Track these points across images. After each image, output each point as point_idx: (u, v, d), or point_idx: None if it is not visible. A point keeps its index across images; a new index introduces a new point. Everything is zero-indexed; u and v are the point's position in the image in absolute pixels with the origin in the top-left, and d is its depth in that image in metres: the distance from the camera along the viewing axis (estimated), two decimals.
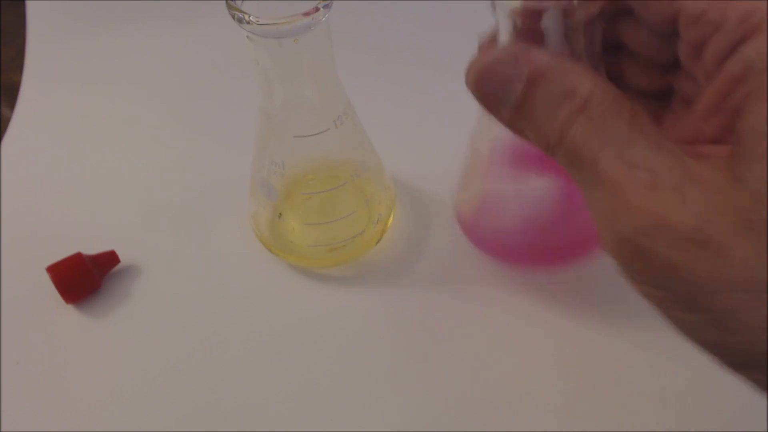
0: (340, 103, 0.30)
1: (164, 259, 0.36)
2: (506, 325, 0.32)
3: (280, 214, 0.35)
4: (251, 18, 0.24)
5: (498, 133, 0.28)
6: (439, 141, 0.40)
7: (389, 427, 0.29)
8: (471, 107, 0.21)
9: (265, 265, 0.35)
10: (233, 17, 0.24)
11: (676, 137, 0.17)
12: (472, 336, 0.32)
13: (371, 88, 0.38)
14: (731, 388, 0.29)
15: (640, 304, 0.17)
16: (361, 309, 0.33)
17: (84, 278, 0.34)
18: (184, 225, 0.38)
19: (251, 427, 0.30)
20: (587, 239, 0.32)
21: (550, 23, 0.18)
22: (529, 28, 0.18)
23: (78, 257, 0.34)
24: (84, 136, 0.44)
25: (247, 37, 0.25)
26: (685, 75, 0.19)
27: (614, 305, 0.32)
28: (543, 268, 0.34)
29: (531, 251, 0.33)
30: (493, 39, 0.21)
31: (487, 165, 0.30)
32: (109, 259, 0.35)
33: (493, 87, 0.18)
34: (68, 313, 0.34)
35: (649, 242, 0.15)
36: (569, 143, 0.17)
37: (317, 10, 0.24)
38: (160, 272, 0.36)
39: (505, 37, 0.20)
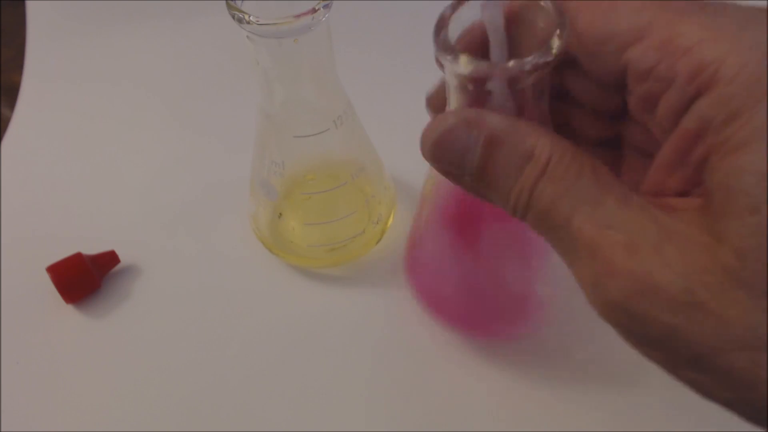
0: (340, 103, 0.30)
1: (164, 259, 0.36)
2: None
3: (280, 214, 0.35)
4: (251, 18, 0.24)
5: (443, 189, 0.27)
6: None
7: (389, 426, 0.29)
8: None
9: (265, 265, 0.35)
10: (233, 17, 0.24)
11: (639, 189, 0.17)
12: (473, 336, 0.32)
13: (371, 88, 0.38)
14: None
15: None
16: (361, 309, 0.33)
17: (84, 278, 0.34)
18: (184, 225, 0.38)
19: (251, 427, 0.30)
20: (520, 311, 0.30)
21: (498, 85, 0.17)
22: (476, 89, 0.18)
23: (78, 257, 0.34)
24: (84, 136, 0.44)
25: (247, 37, 0.25)
26: (635, 125, 0.18)
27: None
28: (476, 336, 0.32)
29: (465, 316, 0.31)
30: (440, 91, 0.21)
31: (429, 222, 0.29)
32: (109, 259, 0.35)
33: (451, 156, 0.18)
34: (68, 313, 0.34)
35: (642, 307, 0.15)
36: (538, 207, 0.16)
37: (317, 10, 0.24)
38: (160, 272, 0.36)
39: (453, 95, 0.19)
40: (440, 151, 0.18)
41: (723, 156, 0.14)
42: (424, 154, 0.19)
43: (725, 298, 0.14)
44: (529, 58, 0.16)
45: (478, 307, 0.30)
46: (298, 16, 0.24)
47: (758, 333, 0.14)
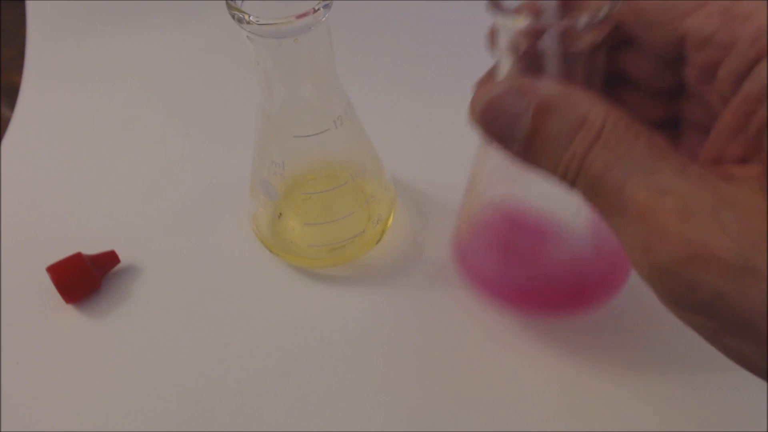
0: (340, 103, 0.30)
1: (164, 259, 0.36)
2: (505, 323, 0.32)
3: (280, 214, 0.35)
4: (251, 18, 0.24)
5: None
6: (439, 141, 0.40)
7: (389, 426, 0.29)
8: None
9: (265, 265, 0.35)
10: (233, 17, 0.24)
11: (697, 160, 0.17)
12: (471, 336, 0.32)
13: (371, 88, 0.38)
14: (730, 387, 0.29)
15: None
16: (361, 309, 0.33)
17: (84, 278, 0.34)
18: (184, 225, 0.38)
19: (251, 427, 0.30)
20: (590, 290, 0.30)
21: (551, 48, 0.17)
22: (531, 57, 0.18)
23: (78, 257, 0.34)
24: (84, 136, 0.44)
25: (247, 37, 0.25)
26: (693, 101, 0.18)
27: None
28: (535, 317, 0.32)
29: (521, 297, 0.31)
30: (490, 75, 0.21)
31: (485, 197, 0.29)
32: (109, 259, 0.35)
33: (501, 122, 0.17)
34: (68, 313, 0.34)
35: (693, 272, 0.15)
36: (590, 174, 0.16)
37: (317, 10, 0.24)
38: (160, 272, 0.36)
39: (506, 66, 0.19)
40: (489, 117, 0.17)
41: None
42: (473, 120, 0.18)
43: None
44: (583, 18, 0.16)
45: (542, 286, 0.30)
46: (298, 16, 0.24)
47: None
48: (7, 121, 0.45)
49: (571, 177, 0.17)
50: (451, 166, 0.33)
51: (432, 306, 0.33)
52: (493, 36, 0.19)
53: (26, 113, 0.45)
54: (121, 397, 0.31)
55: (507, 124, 0.17)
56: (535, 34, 0.17)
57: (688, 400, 0.29)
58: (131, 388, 0.31)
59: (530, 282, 0.30)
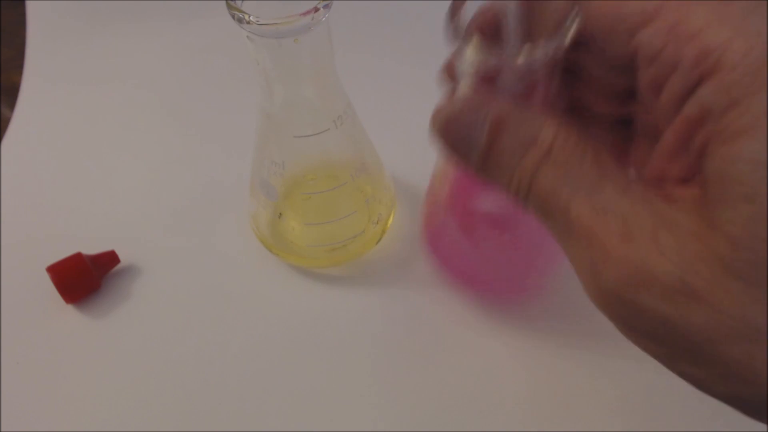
0: (340, 103, 0.30)
1: (164, 259, 0.36)
2: (506, 323, 0.32)
3: (280, 214, 0.35)
4: (251, 18, 0.24)
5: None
6: None
7: (389, 426, 0.29)
8: None
9: (265, 265, 0.35)
10: (233, 17, 0.24)
11: (643, 175, 0.17)
12: (471, 336, 0.32)
13: (371, 88, 0.38)
14: None
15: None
16: (361, 309, 0.33)
17: (84, 278, 0.34)
18: (184, 225, 0.38)
19: (251, 427, 0.30)
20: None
21: (506, 76, 0.18)
22: (488, 75, 0.18)
23: (78, 257, 0.34)
24: (84, 136, 0.44)
25: (247, 37, 0.25)
26: (644, 107, 0.18)
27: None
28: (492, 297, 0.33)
29: (480, 280, 0.32)
30: (454, 91, 0.21)
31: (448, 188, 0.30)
32: (109, 259, 0.35)
33: (458, 137, 0.18)
34: (68, 313, 0.34)
35: (636, 295, 0.15)
36: (539, 191, 0.16)
37: (317, 10, 0.24)
38: (160, 272, 0.36)
39: (466, 81, 0.20)
40: (448, 132, 0.18)
41: (721, 143, 0.14)
42: (433, 134, 0.19)
43: (719, 288, 0.14)
44: (541, 49, 0.16)
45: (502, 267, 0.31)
46: (298, 16, 0.24)
47: (753, 324, 0.14)
48: (7, 121, 0.45)
49: (523, 194, 0.17)
50: None
51: (432, 306, 0.33)
52: (449, 67, 0.20)
53: (26, 113, 0.45)
54: (121, 396, 0.31)
55: (464, 139, 0.18)
56: (489, 72, 0.18)
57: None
58: (131, 388, 0.31)
59: (489, 264, 0.31)
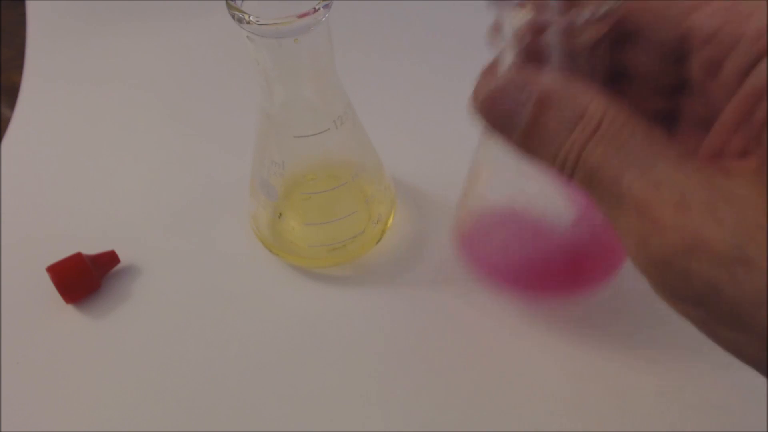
0: (340, 103, 0.30)
1: (164, 259, 0.36)
2: (506, 323, 0.32)
3: (280, 214, 0.35)
4: (251, 18, 0.24)
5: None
6: (439, 141, 0.40)
7: (389, 426, 0.29)
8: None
9: (265, 265, 0.35)
10: (233, 17, 0.24)
11: (698, 155, 0.17)
12: (471, 336, 0.32)
13: (371, 88, 0.38)
14: (731, 388, 0.29)
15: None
16: (361, 309, 0.33)
17: (84, 278, 0.34)
18: (184, 225, 0.38)
19: (251, 427, 0.30)
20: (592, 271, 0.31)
21: (554, 42, 0.18)
22: (533, 50, 0.18)
23: (78, 257, 0.34)
24: (84, 136, 0.44)
25: (247, 37, 0.25)
26: (694, 97, 0.19)
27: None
28: (542, 299, 0.33)
29: (528, 280, 0.31)
30: (494, 65, 0.21)
31: (488, 184, 0.30)
32: (109, 259, 0.35)
33: (502, 112, 0.18)
34: (68, 313, 0.34)
35: (687, 263, 0.15)
36: (588, 165, 0.16)
37: (317, 10, 0.24)
38: (160, 272, 0.36)
39: (508, 59, 0.19)
40: (491, 106, 0.18)
41: None
42: (474, 109, 0.18)
43: None
44: (585, 13, 0.17)
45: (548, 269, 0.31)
46: (298, 16, 0.24)
47: None
48: (7, 121, 0.45)
49: (569, 168, 0.17)
50: (451, 166, 0.33)
51: (432, 306, 0.33)
52: (496, 28, 0.19)
53: (26, 113, 0.45)
54: (121, 397, 0.31)
55: (508, 114, 0.17)
56: (538, 29, 0.17)
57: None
58: (131, 388, 0.31)
59: (534, 264, 0.30)
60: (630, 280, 0.32)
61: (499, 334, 0.32)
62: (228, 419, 0.30)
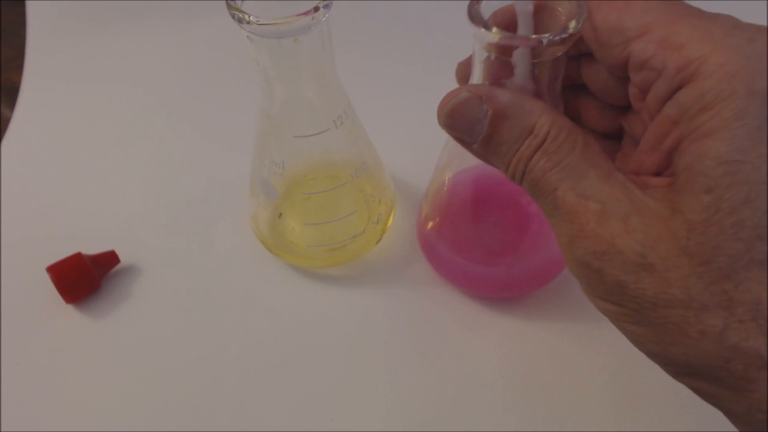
0: (340, 103, 0.30)
1: (164, 259, 0.36)
2: (507, 323, 0.32)
3: (280, 214, 0.35)
4: (251, 18, 0.24)
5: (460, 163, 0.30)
6: (439, 141, 0.40)
7: (389, 426, 0.29)
8: None
9: (265, 265, 0.35)
10: (233, 17, 0.24)
11: (624, 168, 0.19)
12: (472, 335, 0.32)
13: (371, 88, 0.38)
14: None
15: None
16: (361, 309, 0.33)
17: (84, 278, 0.34)
18: (184, 225, 0.38)
19: (251, 427, 0.30)
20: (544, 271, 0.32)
21: (520, 59, 0.20)
22: (500, 62, 0.20)
23: (78, 257, 0.34)
24: (84, 135, 0.44)
25: (247, 37, 0.25)
26: (635, 116, 0.21)
27: None
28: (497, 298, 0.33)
29: (484, 282, 0.32)
30: (468, 63, 0.24)
31: (448, 191, 0.31)
32: (109, 259, 0.35)
33: (463, 125, 0.20)
34: (68, 313, 0.34)
35: (602, 264, 0.18)
36: (531, 176, 0.19)
37: (317, 10, 0.24)
38: (160, 272, 0.36)
39: (478, 67, 0.22)
40: (453, 120, 0.20)
41: (692, 141, 0.17)
42: (440, 123, 0.21)
43: (670, 263, 0.16)
44: (549, 35, 0.19)
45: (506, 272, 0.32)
46: (298, 16, 0.24)
47: (691, 294, 0.16)
48: (7, 121, 0.45)
49: (518, 177, 0.19)
50: None
51: (432, 305, 0.33)
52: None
53: (26, 113, 0.45)
54: (121, 396, 0.31)
55: (468, 127, 0.20)
56: (505, 49, 0.20)
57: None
58: (131, 387, 0.31)
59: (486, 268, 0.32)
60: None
61: (499, 334, 0.32)
62: (228, 419, 0.30)
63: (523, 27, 0.21)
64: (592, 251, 0.18)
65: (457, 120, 0.20)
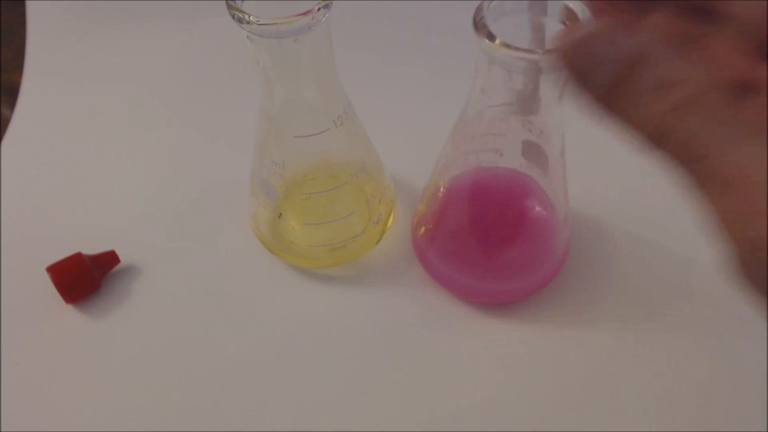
0: (340, 103, 0.30)
1: (164, 259, 0.36)
2: (503, 326, 0.32)
3: (280, 214, 0.35)
4: (251, 18, 0.24)
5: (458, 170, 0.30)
6: (439, 141, 0.40)
7: (389, 426, 0.29)
8: None
9: (265, 265, 0.35)
10: (233, 17, 0.24)
11: None
12: (471, 336, 0.32)
13: (371, 88, 0.38)
14: (731, 389, 0.29)
15: None
16: (361, 309, 0.33)
17: (84, 278, 0.34)
18: (184, 225, 0.38)
19: (251, 427, 0.30)
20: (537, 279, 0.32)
21: (526, 70, 0.19)
22: (504, 71, 0.20)
23: (78, 257, 0.34)
24: (84, 136, 0.44)
25: (247, 37, 0.25)
26: None
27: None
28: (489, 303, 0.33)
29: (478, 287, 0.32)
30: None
31: (444, 198, 0.31)
32: (109, 259, 0.35)
33: (590, 61, 0.16)
34: (68, 313, 0.34)
35: None
36: (680, 137, 0.15)
37: (317, 10, 0.24)
38: (160, 272, 0.36)
39: (480, 75, 0.21)
40: (575, 57, 0.17)
41: None
42: (558, 55, 0.17)
43: None
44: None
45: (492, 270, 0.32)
46: (298, 16, 0.24)
47: None
48: (7, 121, 0.45)
49: (658, 137, 0.16)
50: None
51: (432, 305, 0.33)
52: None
53: (26, 113, 0.45)
54: (120, 396, 0.31)
55: (596, 65, 0.16)
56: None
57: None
58: (131, 387, 0.31)
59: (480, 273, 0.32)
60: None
61: (500, 334, 0.32)
62: (228, 419, 0.30)
63: (535, 40, 0.20)
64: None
65: (584, 55, 0.16)
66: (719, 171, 0.15)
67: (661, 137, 0.16)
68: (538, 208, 0.31)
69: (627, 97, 0.16)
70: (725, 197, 0.15)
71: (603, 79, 0.16)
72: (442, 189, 0.31)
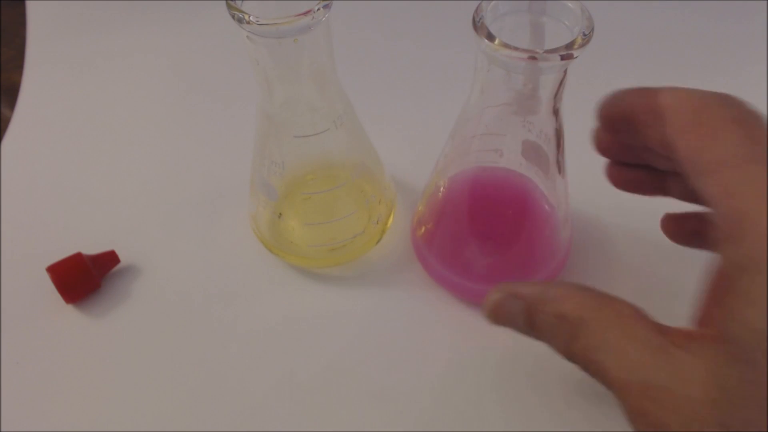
0: (340, 103, 0.30)
1: (164, 259, 0.36)
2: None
3: (280, 214, 0.35)
4: (251, 18, 0.24)
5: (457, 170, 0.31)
6: (439, 141, 0.40)
7: (388, 426, 0.29)
8: None
9: (265, 265, 0.35)
10: (233, 17, 0.24)
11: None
12: (472, 335, 0.32)
13: (371, 88, 0.38)
14: None
15: None
16: (361, 309, 0.33)
17: (84, 278, 0.34)
18: (184, 225, 0.38)
19: (251, 427, 0.30)
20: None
21: (524, 70, 0.21)
22: (504, 72, 0.21)
23: (78, 257, 0.34)
24: (84, 136, 0.44)
25: (247, 37, 0.25)
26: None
27: None
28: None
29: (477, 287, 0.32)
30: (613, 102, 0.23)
31: (443, 198, 0.32)
32: (109, 259, 0.35)
33: (505, 320, 0.22)
34: (68, 313, 0.34)
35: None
36: (578, 360, 0.20)
37: (317, 10, 0.24)
38: (160, 272, 0.36)
39: (480, 76, 0.22)
40: (496, 318, 0.23)
41: (734, 303, 0.17)
42: (487, 319, 0.23)
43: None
44: (546, 50, 0.19)
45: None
46: (298, 16, 0.24)
47: None
48: (7, 121, 0.45)
49: (570, 358, 0.20)
50: None
51: (432, 305, 0.33)
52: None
53: (26, 113, 0.45)
54: (121, 396, 0.31)
55: (510, 320, 0.22)
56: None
57: None
58: (131, 388, 0.31)
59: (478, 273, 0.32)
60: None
61: (500, 334, 0.32)
62: (228, 419, 0.30)
63: (534, 40, 0.21)
64: (653, 429, 0.18)
65: (500, 317, 0.22)
66: (613, 383, 0.19)
67: (571, 358, 0.20)
68: (538, 208, 0.31)
69: (539, 333, 0.21)
70: (620, 401, 0.19)
71: (522, 325, 0.22)
72: (442, 189, 0.31)
